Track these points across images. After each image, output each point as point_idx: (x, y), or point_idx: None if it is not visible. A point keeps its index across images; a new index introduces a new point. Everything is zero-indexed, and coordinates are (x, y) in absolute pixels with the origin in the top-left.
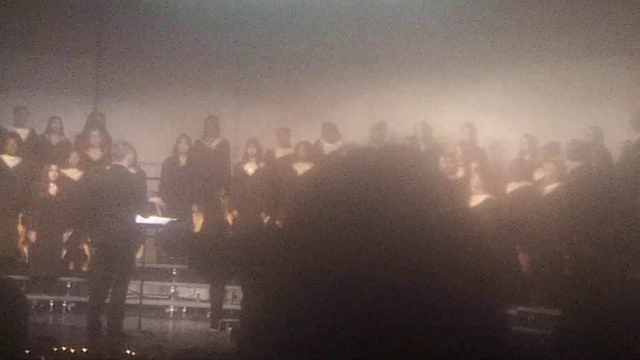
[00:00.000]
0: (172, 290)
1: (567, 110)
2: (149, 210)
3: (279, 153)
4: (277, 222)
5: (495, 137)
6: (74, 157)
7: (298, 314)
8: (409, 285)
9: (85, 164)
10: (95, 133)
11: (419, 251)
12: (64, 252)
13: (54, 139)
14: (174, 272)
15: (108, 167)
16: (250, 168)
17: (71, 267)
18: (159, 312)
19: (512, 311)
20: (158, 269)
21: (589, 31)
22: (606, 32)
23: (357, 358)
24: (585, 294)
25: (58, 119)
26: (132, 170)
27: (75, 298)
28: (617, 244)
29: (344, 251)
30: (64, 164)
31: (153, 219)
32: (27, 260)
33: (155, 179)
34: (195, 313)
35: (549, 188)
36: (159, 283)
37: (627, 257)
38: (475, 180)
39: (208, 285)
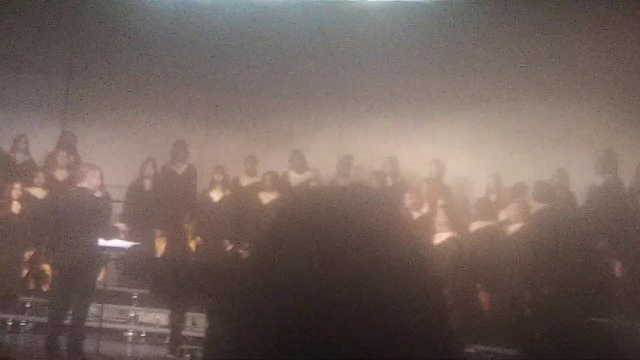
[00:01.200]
0: (132, 315)
1: (534, 151)
2: (112, 233)
3: (245, 181)
4: (240, 251)
5: (462, 175)
6: (39, 177)
7: (260, 343)
8: (370, 320)
9: (50, 184)
10: (62, 153)
11: (379, 288)
12: (25, 271)
13: (20, 157)
14: (135, 296)
15: (72, 189)
16: (215, 195)
17: (31, 286)
18: (118, 335)
19: (471, 349)
20: (119, 292)
21: (558, 75)
22: (574, 75)
23: None
24: (544, 336)
25: (24, 137)
26: (97, 193)
27: (34, 318)
28: (579, 287)
29: (306, 284)
30: (29, 183)
31: (116, 242)
32: None
33: (121, 201)
34: (154, 338)
35: (513, 228)
36: (119, 306)
37: (588, 301)
38: (440, 218)
39: (168, 311)
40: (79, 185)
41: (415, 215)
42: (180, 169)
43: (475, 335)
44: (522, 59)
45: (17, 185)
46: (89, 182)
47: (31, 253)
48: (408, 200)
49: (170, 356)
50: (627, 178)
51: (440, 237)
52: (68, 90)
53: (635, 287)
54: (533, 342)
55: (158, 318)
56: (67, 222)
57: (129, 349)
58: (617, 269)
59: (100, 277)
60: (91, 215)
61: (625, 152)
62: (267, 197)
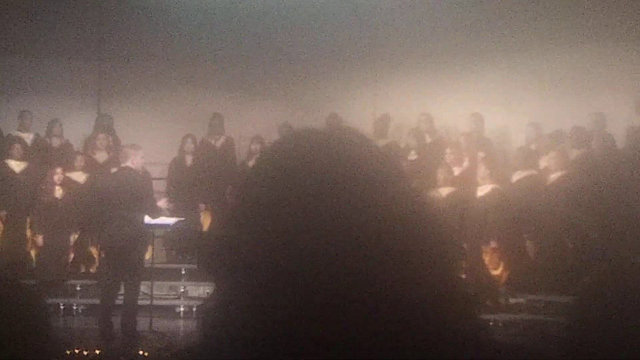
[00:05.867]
0: (182, 290)
1: (570, 97)
2: (157, 211)
3: None
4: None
5: (500, 126)
6: (79, 160)
7: (253, 307)
8: (364, 279)
9: (91, 166)
10: (101, 136)
11: (362, 240)
12: (72, 255)
13: (55, 142)
14: (183, 272)
15: (115, 170)
16: None
17: (80, 269)
18: (170, 312)
19: (521, 299)
20: (167, 269)
21: (590, 18)
22: (607, 18)
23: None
24: (593, 280)
25: (58, 122)
26: (140, 172)
27: (85, 300)
28: (622, 228)
29: (286, 239)
30: (68, 167)
31: (161, 219)
32: (35, 264)
33: (161, 179)
34: None
35: (554, 176)
36: (168, 283)
37: (632, 242)
38: (482, 170)
39: None
40: (123, 165)
41: (457, 170)
42: (218, 141)
43: (525, 285)
44: (554, 5)
45: (59, 170)
46: (133, 161)
47: (77, 236)
48: (449, 155)
49: None
50: None
51: (484, 189)
52: (100, 73)
53: None
54: (583, 287)
55: (207, 291)
56: (113, 203)
57: (181, 324)
58: None
59: (148, 255)
60: (137, 194)
61: None
62: None
